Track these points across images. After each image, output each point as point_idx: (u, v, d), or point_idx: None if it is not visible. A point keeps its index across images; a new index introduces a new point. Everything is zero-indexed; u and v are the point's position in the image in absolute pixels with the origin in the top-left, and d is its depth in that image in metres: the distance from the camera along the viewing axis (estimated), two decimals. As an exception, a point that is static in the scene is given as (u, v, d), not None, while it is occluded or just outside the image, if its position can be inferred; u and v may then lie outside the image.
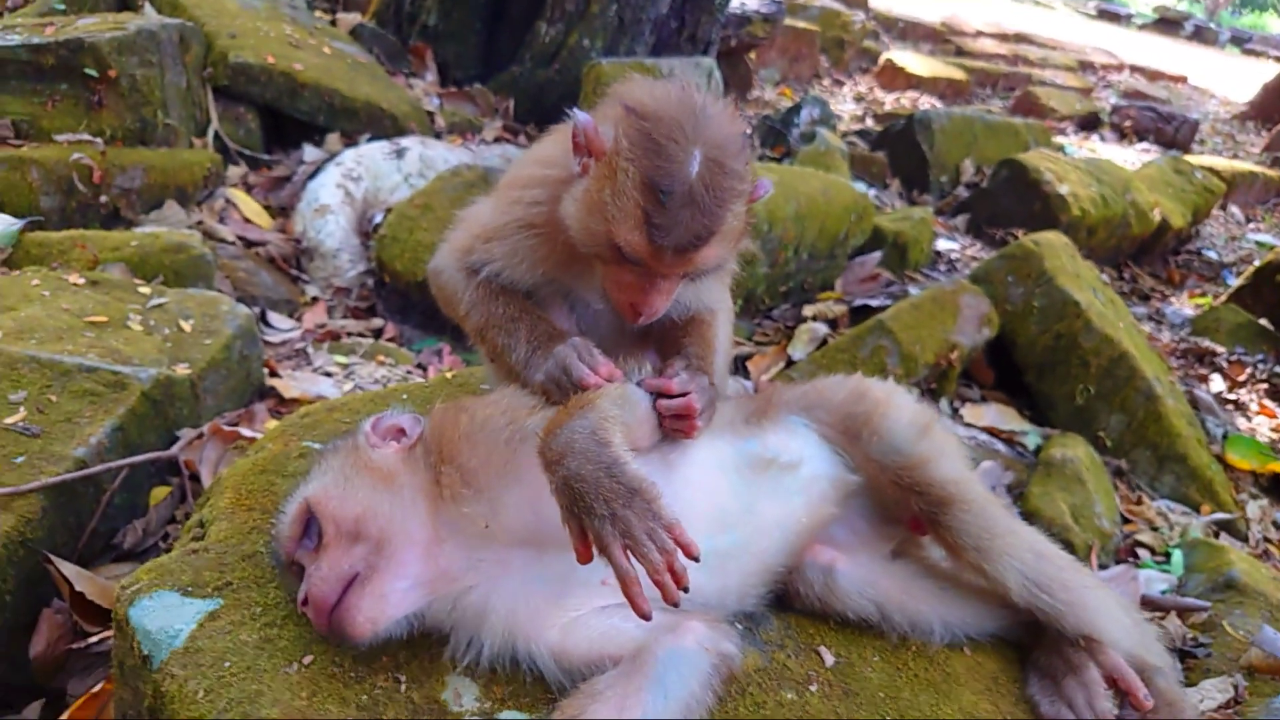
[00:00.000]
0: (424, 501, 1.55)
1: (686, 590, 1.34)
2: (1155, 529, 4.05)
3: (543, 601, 1.54)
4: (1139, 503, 4.21)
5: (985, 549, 1.69)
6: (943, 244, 6.28)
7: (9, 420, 2.57)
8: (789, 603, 1.79)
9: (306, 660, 1.50)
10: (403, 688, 1.48)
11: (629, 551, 1.34)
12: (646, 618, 1.33)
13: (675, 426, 1.70)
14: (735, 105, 1.78)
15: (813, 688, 1.62)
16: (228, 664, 1.47)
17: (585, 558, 1.39)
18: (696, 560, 1.35)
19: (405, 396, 2.34)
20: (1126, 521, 4.05)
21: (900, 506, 1.88)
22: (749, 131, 1.81)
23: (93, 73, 4.26)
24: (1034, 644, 1.82)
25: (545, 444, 1.47)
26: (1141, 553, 3.87)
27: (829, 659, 1.70)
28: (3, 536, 2.30)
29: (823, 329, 4.80)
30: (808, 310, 4.96)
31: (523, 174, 1.98)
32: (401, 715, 1.43)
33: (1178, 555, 3.75)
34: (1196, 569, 3.59)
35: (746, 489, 1.73)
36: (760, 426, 1.85)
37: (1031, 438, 4.31)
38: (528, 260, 1.84)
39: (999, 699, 1.72)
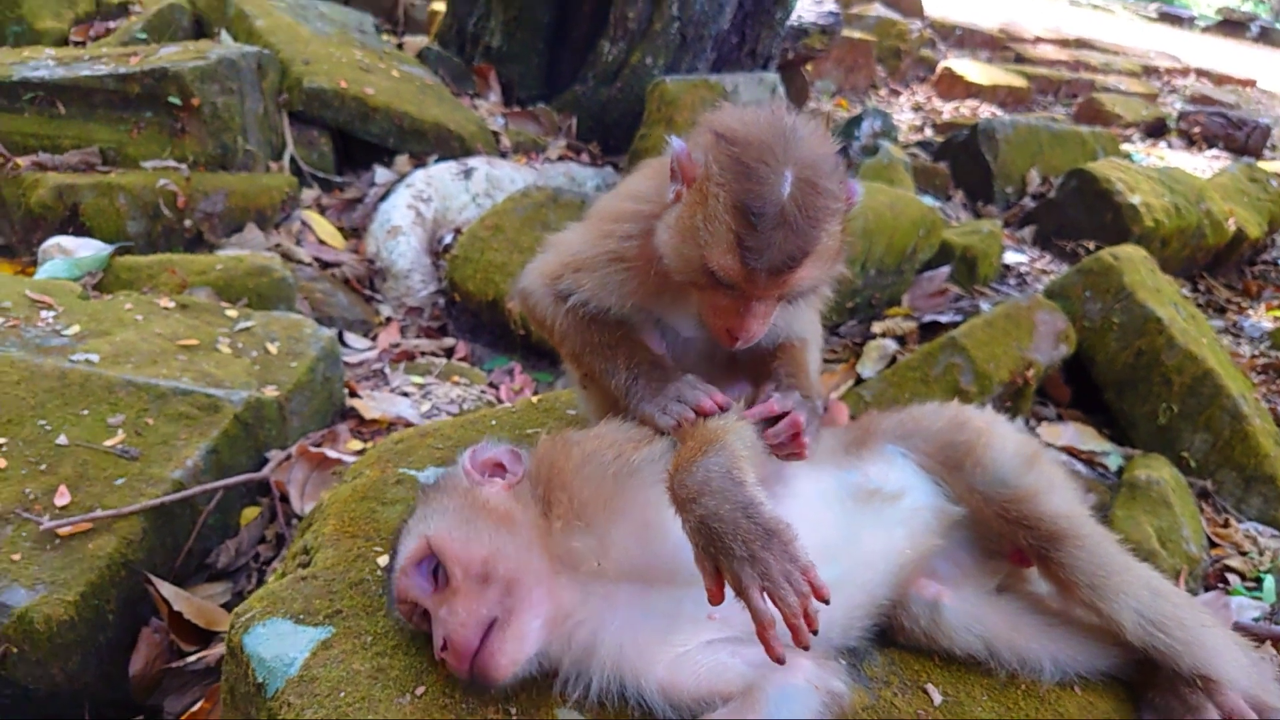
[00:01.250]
0: (538, 537, 1.56)
1: (817, 633, 1.33)
2: (1244, 553, 3.91)
3: (650, 636, 1.53)
4: (1226, 525, 4.07)
5: (1100, 586, 1.64)
6: (1011, 257, 6.16)
7: (109, 443, 2.65)
8: (893, 637, 1.76)
9: (419, 691, 1.51)
10: (513, 719, 1.49)
11: (766, 594, 1.33)
12: (781, 661, 1.32)
13: (788, 450, 1.68)
14: (827, 126, 1.76)
15: (922, 727, 1.59)
16: (343, 694, 1.50)
17: (718, 598, 1.38)
18: (828, 603, 1.34)
19: (494, 422, 2.36)
20: (1214, 545, 3.92)
21: (1005, 540, 1.84)
22: (841, 151, 1.78)
23: (176, 101, 4.40)
24: (1147, 684, 1.76)
25: (678, 480, 1.46)
26: (1231, 578, 3.74)
27: (937, 697, 1.66)
28: (106, 558, 2.37)
29: (892, 346, 4.75)
30: (876, 327, 4.91)
31: (615, 207, 1.99)
32: (514, 748, 1.44)
33: (1269, 581, 3.62)
34: (1291, 595, 3.47)
35: (849, 521, 1.71)
36: (860, 456, 1.84)
37: (1113, 458, 4.20)
38: (617, 292, 1.85)
39: (1114, 741, 1.67)
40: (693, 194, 1.65)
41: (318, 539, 1.88)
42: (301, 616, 1.64)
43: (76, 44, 6.06)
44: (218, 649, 2.46)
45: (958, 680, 1.71)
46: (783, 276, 1.59)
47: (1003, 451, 1.79)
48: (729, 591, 1.38)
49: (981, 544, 1.86)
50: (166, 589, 2.47)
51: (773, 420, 1.71)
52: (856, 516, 1.72)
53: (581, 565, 1.54)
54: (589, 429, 1.75)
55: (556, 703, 1.53)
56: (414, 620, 1.58)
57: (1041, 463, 1.79)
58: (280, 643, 1.59)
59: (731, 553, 1.35)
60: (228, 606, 2.63)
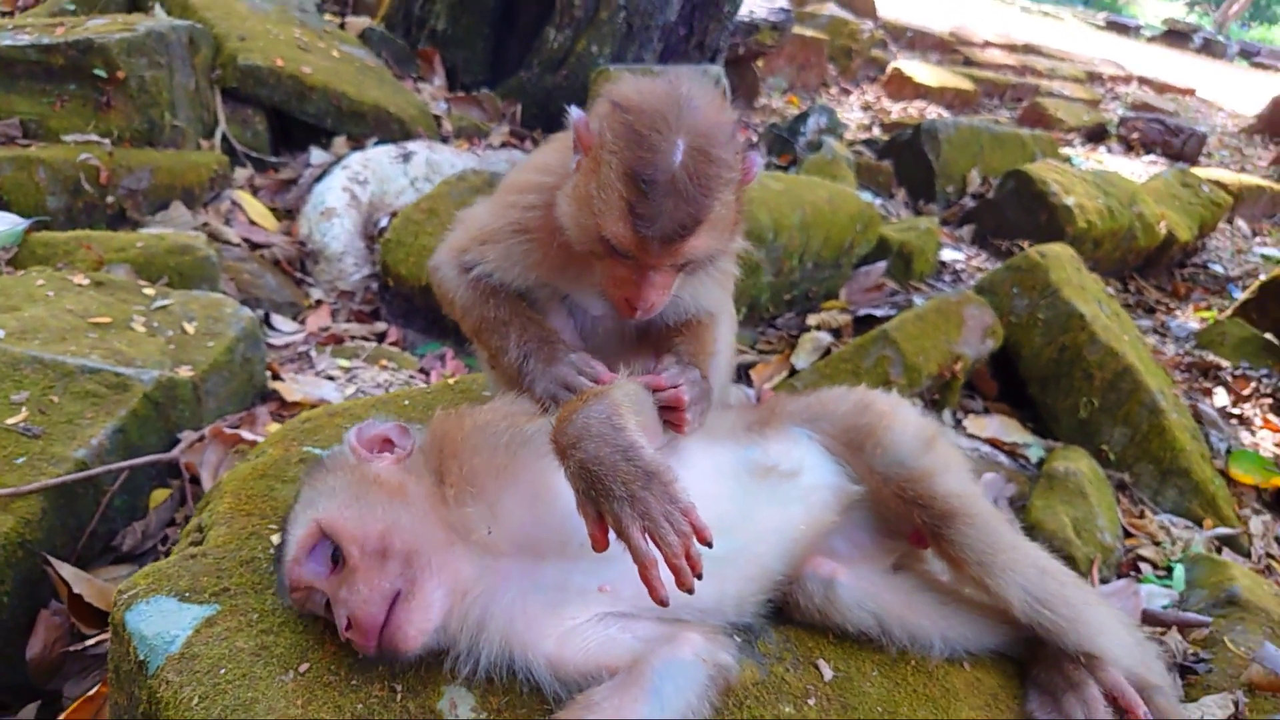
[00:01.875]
0: (432, 509, 1.55)
1: (700, 577, 1.33)
2: (1157, 543, 4.03)
3: (540, 610, 1.53)
4: (1141, 517, 4.19)
5: (988, 564, 1.68)
6: (948, 254, 6.26)
7: (10, 420, 2.57)
8: (788, 615, 1.78)
9: (302, 668, 1.49)
10: (399, 697, 1.48)
11: (647, 534, 1.33)
12: (664, 604, 1.32)
13: (666, 419, 1.69)
14: (725, 96, 1.76)
15: (810, 702, 1.61)
16: (223, 670, 1.47)
17: (601, 544, 1.38)
18: (709, 545, 1.34)
19: (407, 402, 2.34)
20: (1129, 535, 4.03)
21: (902, 520, 1.87)
22: (741, 121, 1.79)
23: (101, 73, 4.27)
24: (1033, 660, 1.81)
25: (559, 429, 1.46)
26: (1143, 567, 3.84)
27: (827, 673, 1.69)
28: (2, 538, 2.29)
29: (826, 338, 4.80)
30: (811, 319, 4.95)
31: (520, 179, 1.99)
32: (397, 724, 1.43)
33: (1179, 570, 3.73)
34: (1198, 584, 3.57)
35: (745, 495, 1.72)
36: (763, 435, 1.85)
37: (1034, 450, 4.30)
38: (520, 264, 1.85)
39: (998, 715, 1.71)
40: (588, 162, 1.66)
41: (212, 517, 1.84)
42: (187, 594, 1.61)
43: (4, 14, 5.85)
44: (119, 632, 2.40)
45: (849, 656, 1.74)
46: (675, 245, 1.59)
47: (903, 433, 1.82)
48: (612, 540, 1.38)
49: (879, 524, 1.90)
50: (66, 570, 2.40)
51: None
52: (753, 491, 1.73)
53: (473, 534, 1.53)
54: (483, 403, 1.74)
55: (445, 680, 1.52)
56: (308, 606, 1.55)
57: (939, 445, 1.83)
58: (163, 620, 1.56)
59: (611, 494, 1.35)
60: (133, 589, 2.56)
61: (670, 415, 1.69)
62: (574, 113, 1.72)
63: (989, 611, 1.82)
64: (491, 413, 1.65)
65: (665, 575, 1.34)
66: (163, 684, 1.47)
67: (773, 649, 1.71)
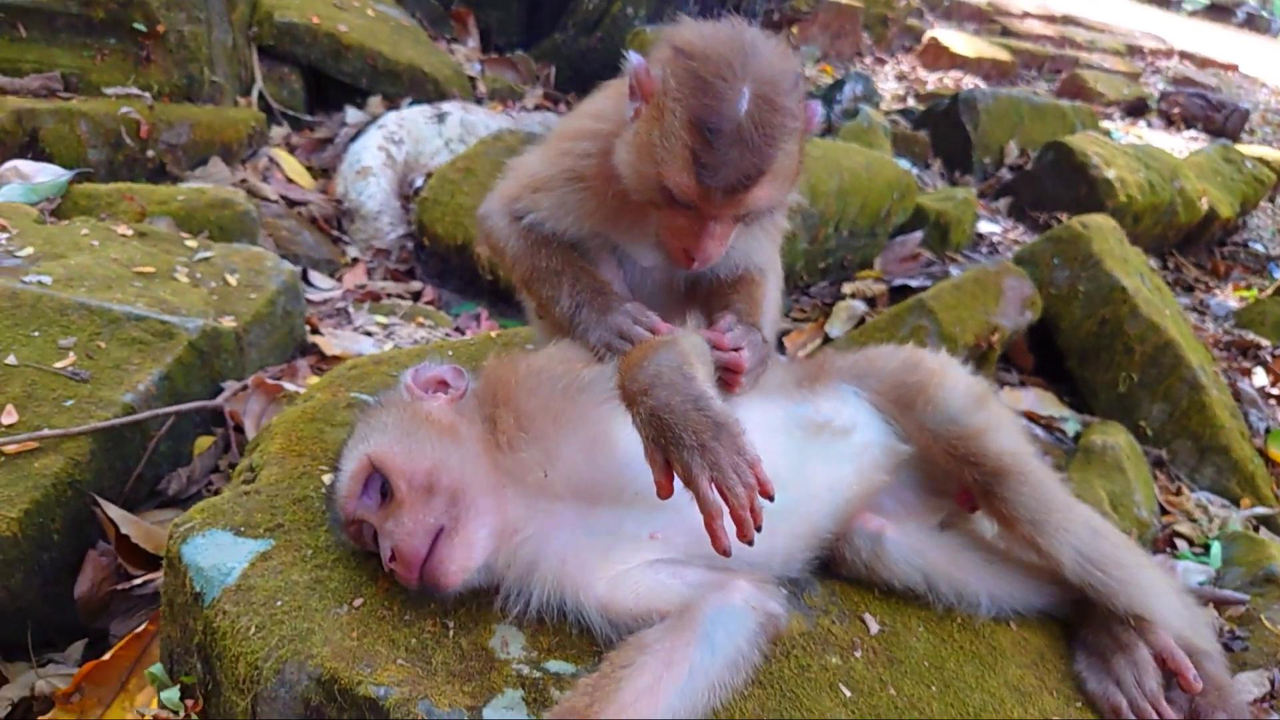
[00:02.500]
0: (483, 450, 1.55)
1: (760, 529, 1.33)
2: (1194, 521, 3.99)
3: (592, 554, 1.53)
4: (1178, 493, 4.15)
5: (1041, 522, 1.66)
6: (984, 226, 6.18)
7: (59, 364, 2.60)
8: (834, 569, 1.78)
9: (357, 603, 1.51)
10: (451, 633, 1.49)
11: (714, 484, 1.33)
12: (726, 553, 1.32)
13: (722, 379, 1.69)
14: (788, 42, 1.72)
15: (857, 654, 1.61)
16: (279, 602, 1.49)
17: (667, 491, 1.38)
18: (771, 499, 1.34)
19: (450, 353, 2.34)
20: (1165, 512, 3.99)
21: (949, 480, 1.86)
22: (801, 69, 1.74)
23: (141, 27, 4.27)
24: (1081, 622, 1.80)
25: (628, 375, 1.46)
26: (1180, 544, 3.81)
27: (874, 626, 1.68)
28: (52, 478, 2.33)
29: (861, 307, 4.76)
30: (846, 288, 4.91)
31: (573, 126, 1.97)
32: (449, 660, 1.44)
33: (1216, 548, 3.69)
34: (1235, 562, 3.54)
35: (798, 451, 1.71)
36: (813, 391, 1.84)
37: (1071, 424, 4.26)
38: (574, 213, 1.83)
39: (1045, 674, 1.70)
40: (650, 110, 1.63)
41: (264, 457, 1.86)
42: (242, 529, 1.63)
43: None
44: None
45: (895, 612, 1.73)
46: (739, 195, 1.57)
47: (954, 390, 1.80)
48: (678, 486, 1.38)
49: (927, 483, 1.88)
50: (114, 511, 2.44)
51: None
52: (805, 448, 1.73)
53: (528, 476, 1.53)
54: (538, 349, 1.74)
55: (496, 618, 1.53)
56: (361, 540, 1.57)
57: (990, 403, 1.81)
58: (219, 553, 1.58)
59: (681, 442, 1.35)
60: (178, 533, 2.60)
61: (726, 375, 1.68)
62: (633, 58, 1.70)
63: (1036, 572, 1.81)
64: (547, 358, 1.64)
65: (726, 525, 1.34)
66: (219, 614, 1.49)
67: (819, 602, 1.71)
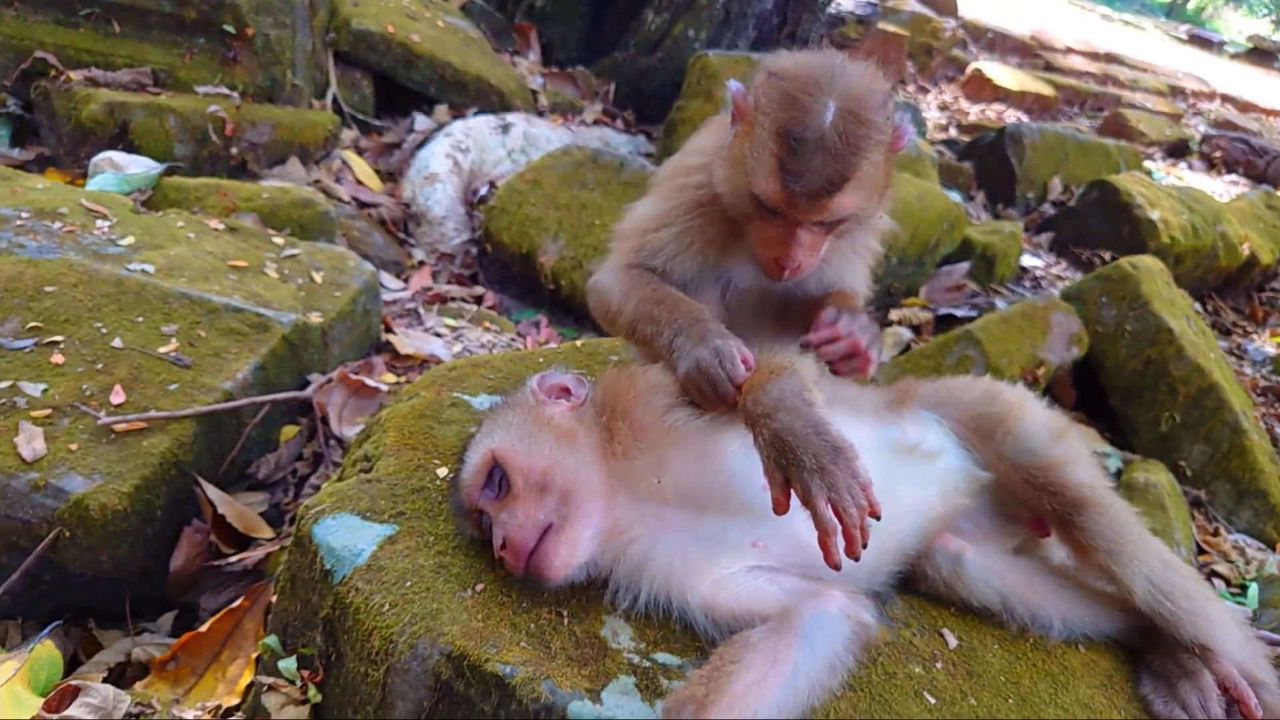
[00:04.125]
0: (599, 457, 1.67)
1: (867, 546, 1.43)
2: (1231, 562, 4.05)
3: (697, 558, 1.64)
4: (1215, 534, 4.21)
5: (1116, 552, 1.75)
6: (1028, 260, 6.26)
7: (163, 350, 2.75)
8: (914, 585, 1.88)
9: (479, 588, 1.62)
10: (565, 622, 1.60)
11: (830, 504, 1.43)
12: (838, 567, 1.43)
13: (849, 367, 1.78)
14: (877, 69, 1.81)
15: (938, 665, 1.71)
16: (409, 583, 1.60)
17: (784, 508, 1.49)
18: (878, 519, 1.45)
19: (542, 360, 2.46)
20: (1202, 552, 4.05)
21: (1024, 507, 1.95)
22: (891, 90, 1.84)
23: (230, 29, 4.45)
24: (1147, 649, 1.88)
25: (751, 398, 1.57)
26: (1217, 584, 3.87)
27: (952, 641, 1.78)
28: (159, 457, 2.47)
29: (907, 334, 4.86)
30: (893, 315, 5.01)
31: (682, 163, 2.09)
32: (566, 645, 1.55)
33: (1254, 589, 3.75)
34: (1272, 604, 3.60)
35: (887, 471, 1.80)
36: (900, 415, 1.94)
37: (1113, 460, 4.32)
38: (698, 241, 1.94)
39: (1114, 695, 1.79)
40: (743, 127, 1.76)
41: (379, 448, 1.98)
42: (368, 514, 1.75)
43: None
44: (256, 553, 2.58)
45: (971, 629, 1.83)
46: (823, 201, 1.68)
47: (1034, 423, 1.90)
48: (794, 504, 1.48)
49: (1003, 509, 1.97)
50: (212, 491, 2.58)
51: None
52: (894, 468, 1.83)
53: (640, 483, 1.65)
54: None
55: (606, 610, 1.64)
56: (480, 530, 1.69)
57: (1070, 436, 1.90)
58: (349, 535, 1.70)
59: (802, 464, 1.46)
60: (265, 516, 2.73)
61: (850, 362, 1.77)
62: (731, 85, 1.82)
63: (1107, 599, 1.90)
64: (663, 374, 1.76)
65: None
66: (352, 591, 1.61)
67: (899, 615, 1.81)
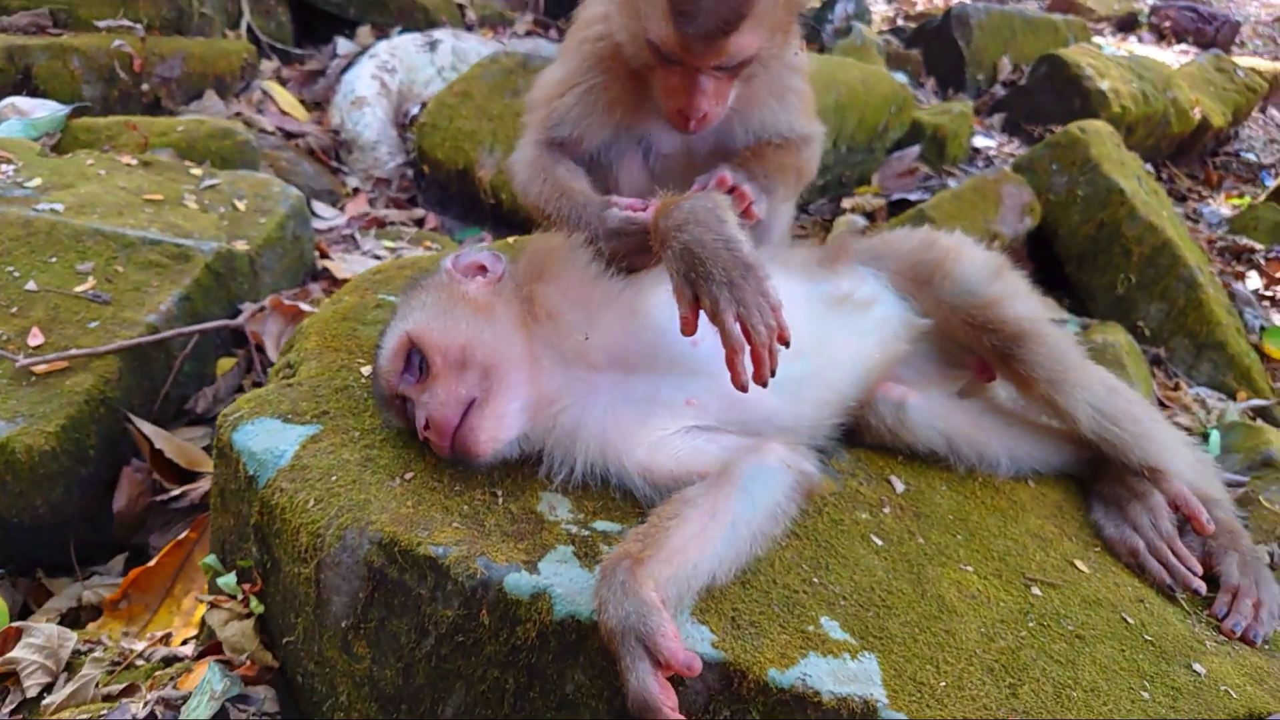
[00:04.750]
0: (519, 328, 1.60)
1: (774, 374, 1.38)
2: (1192, 413, 4.08)
3: (630, 422, 1.59)
4: (1176, 389, 4.24)
5: (1058, 381, 1.73)
6: (980, 141, 6.18)
7: (79, 289, 2.63)
8: (860, 437, 1.85)
9: (408, 476, 1.57)
10: (500, 500, 1.55)
11: (739, 320, 1.38)
12: (744, 389, 1.38)
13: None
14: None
15: (885, 510, 1.69)
16: (334, 478, 1.55)
17: (691, 327, 1.43)
18: (787, 345, 1.40)
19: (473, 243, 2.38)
20: (1164, 407, 4.08)
21: (967, 351, 1.92)
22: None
23: (126, -42, 4.20)
24: (1097, 476, 1.88)
25: (663, 214, 1.51)
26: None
27: (899, 486, 1.76)
28: (84, 394, 2.38)
29: (861, 221, 4.79)
30: (846, 203, 4.94)
31: (584, 14, 1.99)
32: (502, 523, 1.51)
33: (1215, 436, 3.79)
34: (1234, 449, 3.64)
35: (820, 323, 1.76)
36: (833, 270, 1.89)
37: (1071, 326, 4.32)
38: (603, 100, 1.85)
39: (1064, 523, 1.78)
40: None
41: (300, 355, 1.91)
42: (289, 416, 1.68)
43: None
44: (201, 485, 2.51)
45: (919, 473, 1.81)
46: (719, 41, 1.60)
47: (971, 264, 1.86)
48: (703, 333, 1.43)
49: (945, 356, 1.94)
50: (147, 428, 2.50)
51: None
52: (827, 320, 1.78)
53: (566, 342, 1.59)
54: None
55: (542, 485, 1.59)
56: (402, 418, 1.63)
57: (1006, 273, 1.86)
58: (270, 438, 1.63)
59: (711, 277, 1.40)
60: (208, 450, 2.66)
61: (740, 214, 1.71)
62: None
63: (1053, 433, 1.88)
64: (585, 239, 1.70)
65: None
66: (276, 492, 1.55)
67: (846, 466, 1.78)
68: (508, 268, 1.72)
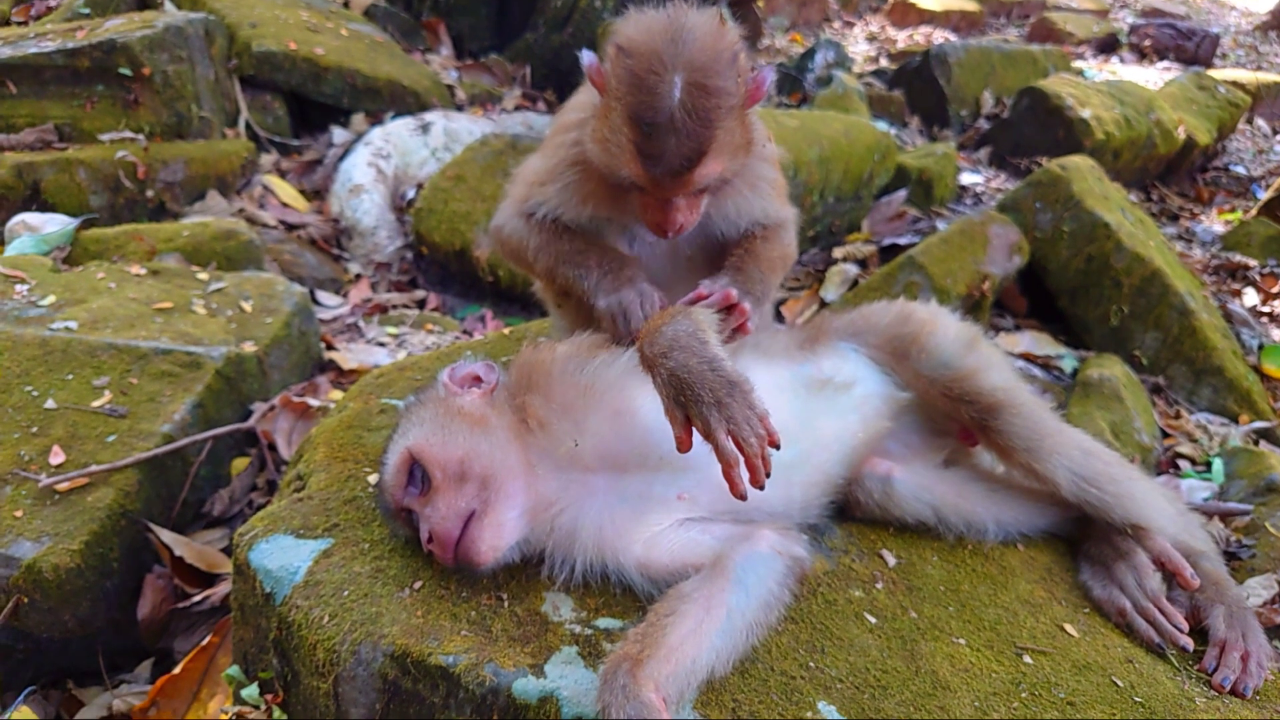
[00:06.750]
0: (514, 438, 1.68)
1: (770, 475, 1.46)
2: (1195, 441, 4.11)
3: (626, 519, 1.66)
4: (1177, 417, 4.27)
5: (1035, 449, 1.79)
6: (967, 178, 6.29)
7: (96, 403, 2.73)
8: (850, 513, 1.91)
9: (417, 585, 1.64)
10: (505, 604, 1.62)
11: (730, 436, 1.45)
12: (743, 498, 1.45)
13: (730, 325, 1.81)
14: (724, 21, 1.81)
15: (879, 585, 1.74)
16: (346, 592, 1.62)
17: (686, 445, 1.50)
18: (778, 448, 1.47)
19: (469, 353, 2.46)
20: (1166, 435, 4.11)
21: (949, 420, 1.98)
22: (739, 44, 1.84)
23: (127, 72, 4.39)
24: (1084, 537, 1.93)
25: (647, 342, 1.59)
26: (1182, 464, 3.94)
27: (891, 560, 1.81)
28: (106, 509, 2.47)
29: (853, 269, 4.88)
30: (837, 252, 5.03)
31: (561, 121, 2.10)
32: (508, 627, 1.57)
33: (1218, 463, 3.82)
34: (1238, 475, 3.66)
35: (804, 407, 1.83)
36: (814, 352, 1.96)
37: (1068, 361, 4.38)
38: (577, 195, 1.96)
39: (1054, 586, 1.83)
40: (603, 106, 1.77)
41: (310, 466, 1.99)
42: (301, 531, 1.76)
43: (19, 24, 5.96)
44: (221, 588, 2.58)
45: (909, 545, 1.86)
46: (685, 176, 1.70)
47: (945, 337, 1.93)
48: (696, 441, 1.50)
49: (928, 425, 2.01)
50: (166, 535, 2.58)
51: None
52: (811, 404, 1.85)
53: (559, 449, 1.66)
54: (560, 339, 1.86)
55: (545, 586, 1.66)
56: (409, 529, 1.70)
57: (980, 345, 1.93)
58: (283, 555, 1.71)
59: (700, 400, 1.48)
60: (227, 551, 2.74)
61: (730, 317, 1.79)
62: (585, 57, 1.83)
63: (1038, 496, 1.94)
64: (573, 344, 1.79)
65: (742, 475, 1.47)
66: (292, 609, 1.62)
67: (839, 543, 1.84)
68: (501, 377, 1.81)
